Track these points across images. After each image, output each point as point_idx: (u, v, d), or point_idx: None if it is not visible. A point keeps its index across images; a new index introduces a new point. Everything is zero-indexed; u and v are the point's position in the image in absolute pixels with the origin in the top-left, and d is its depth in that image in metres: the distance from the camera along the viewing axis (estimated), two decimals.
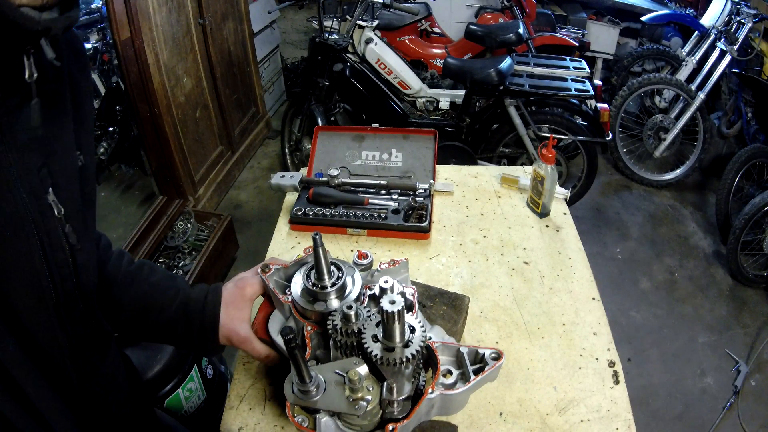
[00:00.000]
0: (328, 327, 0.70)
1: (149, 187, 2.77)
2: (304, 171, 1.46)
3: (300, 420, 0.70)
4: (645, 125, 3.39)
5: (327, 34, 2.79)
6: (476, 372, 0.71)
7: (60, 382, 0.61)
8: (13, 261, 0.51)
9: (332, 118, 2.90)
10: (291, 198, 1.41)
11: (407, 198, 1.32)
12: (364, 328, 0.70)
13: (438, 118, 3.05)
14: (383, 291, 0.76)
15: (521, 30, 3.06)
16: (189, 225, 2.56)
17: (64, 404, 0.62)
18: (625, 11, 4.16)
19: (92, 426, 0.69)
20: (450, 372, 0.73)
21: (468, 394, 0.72)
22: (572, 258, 1.23)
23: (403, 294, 0.76)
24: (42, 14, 0.43)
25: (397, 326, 0.66)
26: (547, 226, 1.34)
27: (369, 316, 0.72)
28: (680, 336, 2.44)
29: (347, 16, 3.00)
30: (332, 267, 0.77)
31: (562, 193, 1.41)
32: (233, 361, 1.03)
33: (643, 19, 3.65)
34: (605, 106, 2.70)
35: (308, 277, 0.78)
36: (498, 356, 0.72)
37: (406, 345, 0.68)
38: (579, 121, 2.69)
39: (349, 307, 0.71)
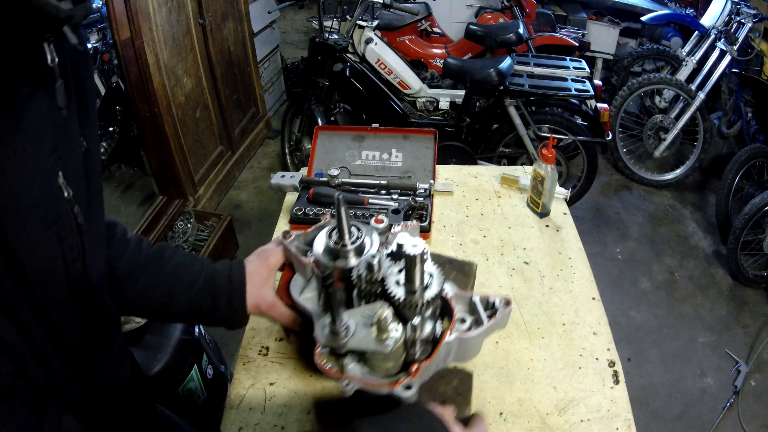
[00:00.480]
0: (352, 278, 0.76)
1: (149, 187, 2.77)
2: (304, 171, 1.46)
3: (329, 366, 0.76)
4: (645, 125, 3.39)
5: (327, 34, 2.79)
6: (489, 317, 0.78)
7: (73, 365, 0.63)
8: (30, 244, 0.53)
9: (332, 118, 2.90)
10: (291, 198, 1.41)
11: (407, 198, 1.32)
12: (387, 276, 0.77)
13: (438, 118, 3.05)
14: (400, 246, 0.82)
15: (521, 30, 3.06)
16: (189, 225, 2.56)
17: (75, 386, 0.64)
18: (625, 11, 4.16)
19: (96, 415, 0.70)
20: (464, 320, 0.79)
21: (482, 338, 0.79)
22: (572, 258, 1.23)
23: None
24: (60, 3, 0.45)
25: (418, 269, 0.72)
26: (547, 226, 1.34)
27: (390, 266, 0.79)
28: (680, 336, 2.44)
29: (347, 16, 3.00)
30: (352, 227, 0.85)
31: (562, 193, 1.41)
32: (233, 361, 1.03)
33: (643, 19, 3.65)
34: (605, 106, 2.70)
35: (330, 236, 0.85)
36: (507, 302, 0.79)
37: (426, 288, 0.75)
38: (579, 121, 2.69)
39: (373, 257, 0.79)
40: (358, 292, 0.78)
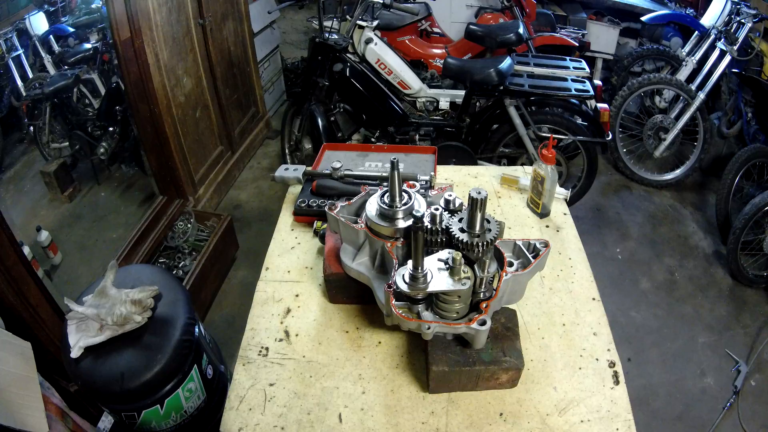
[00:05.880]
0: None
1: (149, 187, 2.77)
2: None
3: (403, 312, 0.86)
4: (645, 125, 3.39)
5: (327, 34, 2.79)
6: (533, 258, 0.89)
7: None
8: None
9: (332, 118, 2.90)
10: (294, 190, 1.44)
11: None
12: (450, 225, 0.87)
13: (438, 118, 3.05)
14: (448, 202, 0.94)
15: (521, 30, 3.06)
16: (189, 225, 2.56)
17: None
18: (625, 11, 4.16)
19: None
20: (512, 263, 0.91)
21: (529, 277, 0.90)
22: (572, 258, 1.23)
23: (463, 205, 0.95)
24: None
25: (479, 213, 0.83)
26: (547, 226, 1.34)
27: (451, 216, 0.89)
28: (680, 336, 2.44)
29: (347, 16, 3.00)
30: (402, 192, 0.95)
31: (562, 193, 1.41)
32: (233, 362, 1.03)
33: (643, 19, 3.64)
34: (605, 106, 2.70)
35: (382, 200, 0.95)
36: (546, 244, 0.90)
37: (487, 231, 0.85)
38: (579, 121, 2.69)
39: (436, 209, 0.89)
40: (424, 243, 0.86)
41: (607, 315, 1.09)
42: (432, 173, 1.33)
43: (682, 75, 3.34)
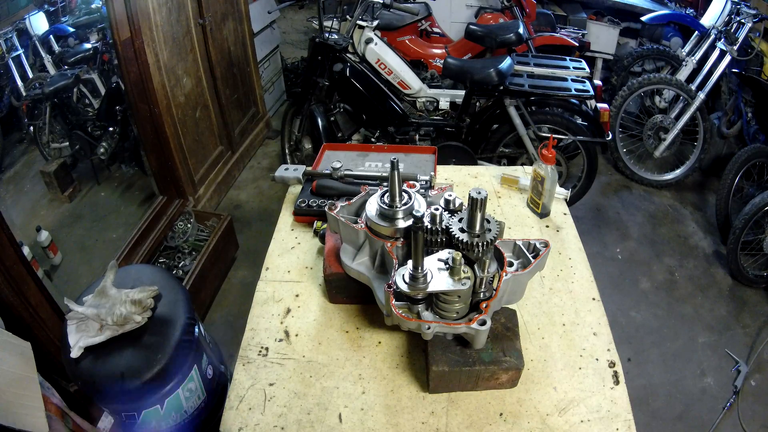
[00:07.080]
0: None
1: (149, 187, 2.77)
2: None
3: (403, 312, 0.86)
4: (645, 125, 3.39)
5: (327, 34, 2.79)
6: (533, 258, 0.90)
7: None
8: None
9: (332, 118, 2.90)
10: (294, 190, 1.44)
11: None
12: (450, 225, 0.87)
13: (438, 118, 3.05)
14: (448, 202, 0.95)
15: (521, 30, 3.05)
16: (189, 225, 2.56)
17: None
18: (625, 11, 4.16)
19: None
20: (512, 263, 0.92)
21: (529, 277, 0.90)
22: (572, 258, 1.23)
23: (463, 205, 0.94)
24: None
25: (479, 213, 0.83)
26: (547, 226, 1.34)
27: (451, 216, 0.89)
28: (680, 336, 2.44)
29: (347, 16, 3.00)
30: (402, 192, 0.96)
31: (562, 193, 1.41)
32: (233, 362, 1.04)
33: (643, 19, 3.64)
34: (605, 106, 2.70)
35: (382, 200, 0.95)
36: (546, 244, 0.90)
37: (487, 231, 0.85)
38: (579, 121, 2.69)
39: (436, 209, 0.89)
40: (424, 242, 0.86)
41: (607, 315, 1.09)
42: (432, 173, 1.33)
43: (682, 75, 3.34)
